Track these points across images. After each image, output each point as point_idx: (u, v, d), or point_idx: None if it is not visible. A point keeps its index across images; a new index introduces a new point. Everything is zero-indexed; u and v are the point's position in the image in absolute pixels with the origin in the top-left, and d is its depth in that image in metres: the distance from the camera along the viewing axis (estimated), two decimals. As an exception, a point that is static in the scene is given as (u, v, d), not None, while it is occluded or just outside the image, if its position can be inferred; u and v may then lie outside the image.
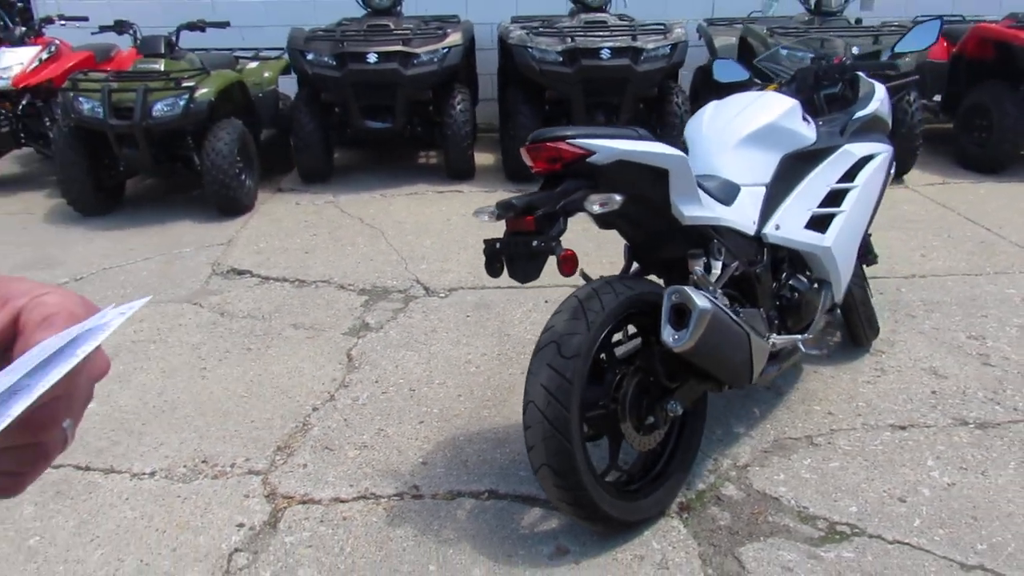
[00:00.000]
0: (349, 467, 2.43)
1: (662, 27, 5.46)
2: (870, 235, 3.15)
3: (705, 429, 2.58)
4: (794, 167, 2.43)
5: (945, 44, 5.96)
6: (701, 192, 2.07)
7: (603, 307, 1.93)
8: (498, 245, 1.84)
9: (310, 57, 5.39)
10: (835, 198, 2.52)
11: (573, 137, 1.83)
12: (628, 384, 2.00)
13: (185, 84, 4.76)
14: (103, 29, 5.25)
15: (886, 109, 2.77)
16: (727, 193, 2.24)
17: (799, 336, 2.42)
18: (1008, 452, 2.43)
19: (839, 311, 2.92)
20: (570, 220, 1.91)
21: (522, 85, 5.50)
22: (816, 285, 2.52)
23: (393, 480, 2.36)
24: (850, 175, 2.57)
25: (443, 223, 4.91)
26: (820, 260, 2.49)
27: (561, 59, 5.22)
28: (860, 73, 2.81)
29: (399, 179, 6.00)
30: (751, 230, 2.29)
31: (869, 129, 2.68)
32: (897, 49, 2.77)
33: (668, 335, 1.89)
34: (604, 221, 2.16)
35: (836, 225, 2.50)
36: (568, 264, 1.79)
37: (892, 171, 2.84)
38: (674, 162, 1.93)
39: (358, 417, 2.72)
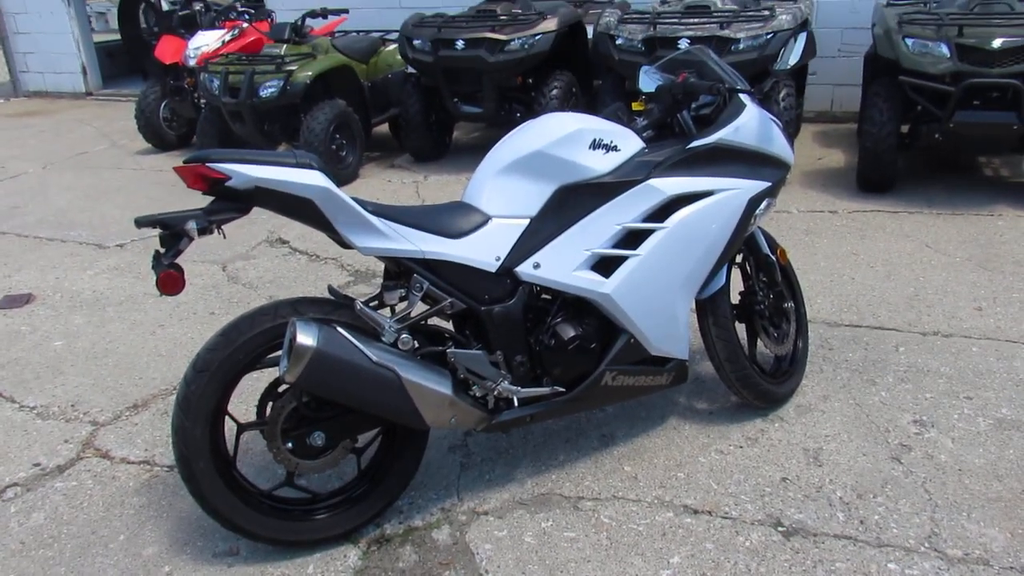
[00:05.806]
0: (163, 434, 2.73)
1: (768, 14, 4.84)
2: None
3: (489, 465, 2.47)
4: (574, 201, 2.17)
5: None
6: (381, 221, 1.98)
7: (252, 328, 1.98)
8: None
9: (416, 43, 5.67)
10: (632, 240, 2.21)
11: (215, 160, 1.89)
12: (281, 408, 2.02)
13: (287, 68, 5.33)
14: (252, 18, 6.04)
15: (749, 136, 2.30)
16: (458, 224, 2.10)
17: (536, 389, 2.18)
18: (784, 570, 1.99)
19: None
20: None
21: (608, 74, 5.26)
22: (597, 335, 2.24)
23: (181, 453, 2.61)
24: (660, 215, 2.22)
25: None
26: (604, 307, 2.21)
27: (642, 48, 4.89)
28: (741, 92, 2.37)
29: (502, 163, 6.09)
30: (491, 266, 2.12)
31: (714, 161, 2.27)
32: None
33: (282, 365, 1.89)
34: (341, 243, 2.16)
35: (625, 269, 2.19)
36: (164, 285, 1.86)
37: (762, 211, 2.37)
38: (315, 192, 1.88)
39: (217, 390, 3.00)
